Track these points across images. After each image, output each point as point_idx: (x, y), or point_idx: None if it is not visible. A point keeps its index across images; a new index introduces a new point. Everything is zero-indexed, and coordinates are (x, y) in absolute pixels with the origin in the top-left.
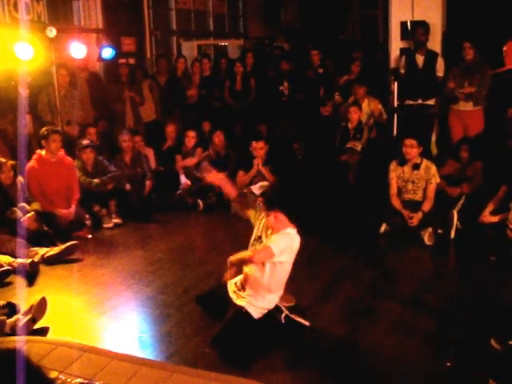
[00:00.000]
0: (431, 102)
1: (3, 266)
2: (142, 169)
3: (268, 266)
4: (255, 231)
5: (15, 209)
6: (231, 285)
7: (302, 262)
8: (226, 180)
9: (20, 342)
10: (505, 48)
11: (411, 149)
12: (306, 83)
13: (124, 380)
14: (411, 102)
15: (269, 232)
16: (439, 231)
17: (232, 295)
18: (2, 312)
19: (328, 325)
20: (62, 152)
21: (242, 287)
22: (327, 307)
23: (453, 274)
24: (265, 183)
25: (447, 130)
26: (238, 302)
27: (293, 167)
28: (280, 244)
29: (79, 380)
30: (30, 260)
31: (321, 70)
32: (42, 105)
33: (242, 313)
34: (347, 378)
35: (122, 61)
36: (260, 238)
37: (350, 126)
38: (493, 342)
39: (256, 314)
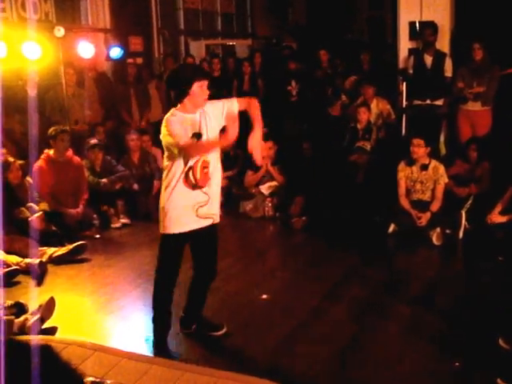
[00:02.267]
0: (439, 102)
1: (11, 266)
2: (150, 168)
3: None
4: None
5: (23, 209)
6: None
7: (310, 261)
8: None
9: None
10: None
11: (418, 148)
12: (314, 83)
13: (135, 378)
14: (419, 103)
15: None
16: (447, 231)
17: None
18: (11, 312)
19: (335, 325)
20: (70, 152)
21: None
22: (335, 307)
23: (461, 274)
24: (273, 183)
25: (455, 130)
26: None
27: (300, 166)
28: None
29: (91, 378)
30: (38, 260)
31: (329, 71)
32: (49, 104)
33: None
34: (354, 377)
35: (130, 60)
36: (197, 133)
37: (359, 126)
38: (501, 341)
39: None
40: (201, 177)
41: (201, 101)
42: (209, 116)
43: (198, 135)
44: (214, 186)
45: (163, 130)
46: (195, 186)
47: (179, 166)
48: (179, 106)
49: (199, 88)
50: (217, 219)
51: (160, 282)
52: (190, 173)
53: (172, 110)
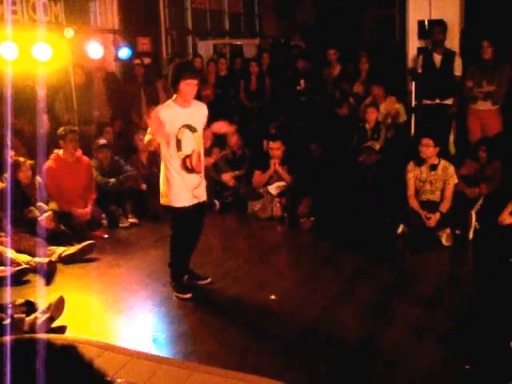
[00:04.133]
0: (449, 101)
1: (21, 265)
2: (159, 169)
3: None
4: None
5: (33, 208)
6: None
7: (319, 262)
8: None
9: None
10: None
11: (427, 148)
12: (323, 83)
13: (145, 378)
14: (429, 102)
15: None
16: (457, 232)
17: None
18: (21, 310)
19: (343, 326)
20: (79, 152)
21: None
22: (343, 308)
23: (470, 275)
24: (281, 183)
25: (465, 129)
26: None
27: (308, 167)
28: None
29: None
30: (47, 259)
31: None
32: (59, 104)
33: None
34: (363, 379)
35: (137, 61)
36: (191, 126)
37: (367, 126)
38: None
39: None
40: (196, 163)
41: (189, 97)
42: (199, 114)
43: (192, 128)
44: (203, 173)
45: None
46: (191, 171)
47: (174, 153)
48: (174, 98)
49: (186, 86)
50: (202, 198)
51: (173, 242)
52: (187, 160)
53: (168, 101)
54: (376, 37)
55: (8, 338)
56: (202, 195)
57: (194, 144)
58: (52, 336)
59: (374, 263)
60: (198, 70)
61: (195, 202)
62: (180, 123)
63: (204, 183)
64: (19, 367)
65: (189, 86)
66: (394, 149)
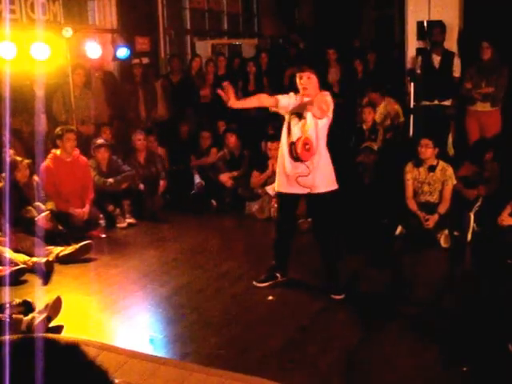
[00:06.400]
0: (447, 102)
1: (18, 265)
2: (156, 168)
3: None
4: (289, 117)
5: (31, 208)
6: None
7: (316, 263)
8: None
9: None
10: None
11: (426, 148)
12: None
13: (143, 378)
14: (427, 103)
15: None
16: (455, 233)
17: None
18: (18, 310)
19: (341, 326)
20: (76, 151)
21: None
22: (341, 308)
23: (468, 277)
24: None
25: (464, 131)
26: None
27: None
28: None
29: None
30: (45, 259)
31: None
32: (57, 104)
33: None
34: (360, 379)
35: (136, 61)
36: (299, 113)
37: (364, 127)
38: (511, 347)
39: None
40: (302, 152)
41: (299, 89)
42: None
43: (300, 116)
44: (319, 163)
45: None
46: (297, 159)
47: (284, 139)
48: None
49: (297, 79)
50: (315, 190)
51: (276, 230)
52: (293, 147)
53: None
54: (375, 37)
55: (8, 337)
56: (312, 185)
57: (300, 132)
58: (51, 336)
59: (372, 264)
60: (305, 64)
61: (300, 191)
62: (292, 111)
63: (315, 176)
64: (21, 365)
65: (298, 79)
66: (391, 150)
